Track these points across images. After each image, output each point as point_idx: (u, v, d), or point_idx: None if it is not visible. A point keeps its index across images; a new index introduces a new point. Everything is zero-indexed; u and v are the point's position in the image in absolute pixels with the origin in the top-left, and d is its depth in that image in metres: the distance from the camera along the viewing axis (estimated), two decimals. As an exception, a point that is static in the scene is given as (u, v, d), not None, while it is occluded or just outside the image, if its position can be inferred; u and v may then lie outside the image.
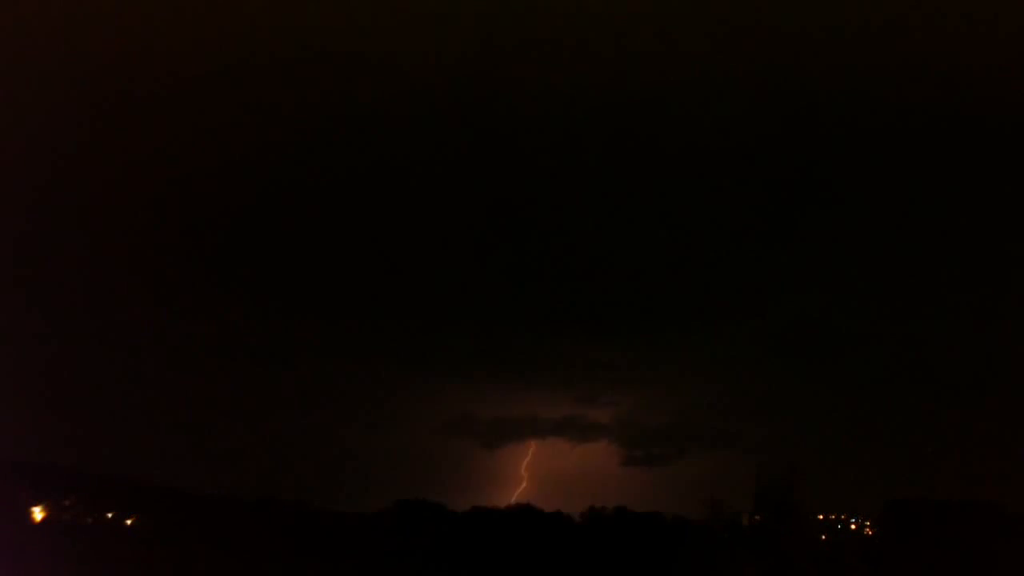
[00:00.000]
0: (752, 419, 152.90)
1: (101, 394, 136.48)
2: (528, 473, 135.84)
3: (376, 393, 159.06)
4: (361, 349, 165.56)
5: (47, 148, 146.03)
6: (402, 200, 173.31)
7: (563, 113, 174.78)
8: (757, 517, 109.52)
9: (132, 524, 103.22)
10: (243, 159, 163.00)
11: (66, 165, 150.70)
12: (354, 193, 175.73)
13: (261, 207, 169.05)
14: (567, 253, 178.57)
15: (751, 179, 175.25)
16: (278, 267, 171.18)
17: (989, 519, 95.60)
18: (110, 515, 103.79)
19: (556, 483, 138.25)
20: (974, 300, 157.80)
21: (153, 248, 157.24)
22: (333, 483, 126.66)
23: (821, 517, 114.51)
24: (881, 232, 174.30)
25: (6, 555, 79.99)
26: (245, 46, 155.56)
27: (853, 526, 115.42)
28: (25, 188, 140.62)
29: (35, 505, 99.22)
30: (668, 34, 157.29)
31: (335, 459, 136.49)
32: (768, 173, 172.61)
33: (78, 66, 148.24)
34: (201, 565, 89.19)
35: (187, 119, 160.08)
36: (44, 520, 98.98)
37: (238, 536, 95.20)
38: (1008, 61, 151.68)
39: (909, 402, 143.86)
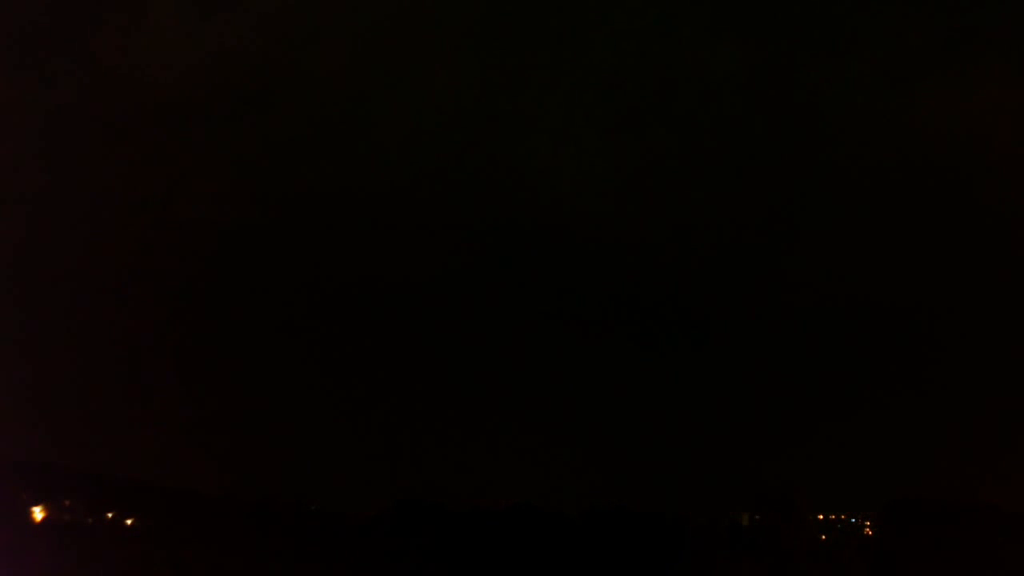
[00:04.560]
0: (752, 417, 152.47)
1: (101, 394, 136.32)
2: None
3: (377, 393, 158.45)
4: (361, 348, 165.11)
5: (48, 148, 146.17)
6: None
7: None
8: (757, 517, 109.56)
9: (132, 524, 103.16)
10: (242, 159, 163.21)
11: (66, 165, 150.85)
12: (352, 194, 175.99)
13: (260, 208, 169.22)
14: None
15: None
16: (277, 267, 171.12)
17: (989, 519, 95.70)
18: (110, 515, 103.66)
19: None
20: (974, 299, 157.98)
21: (153, 249, 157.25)
22: (333, 483, 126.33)
23: (821, 517, 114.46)
24: (880, 232, 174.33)
25: (6, 555, 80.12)
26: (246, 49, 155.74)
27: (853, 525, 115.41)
28: (25, 189, 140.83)
29: (35, 505, 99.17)
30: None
31: (335, 459, 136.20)
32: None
33: (79, 67, 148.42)
34: (201, 565, 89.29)
35: (187, 119, 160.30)
36: (44, 520, 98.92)
37: (238, 536, 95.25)
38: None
39: (909, 402, 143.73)
